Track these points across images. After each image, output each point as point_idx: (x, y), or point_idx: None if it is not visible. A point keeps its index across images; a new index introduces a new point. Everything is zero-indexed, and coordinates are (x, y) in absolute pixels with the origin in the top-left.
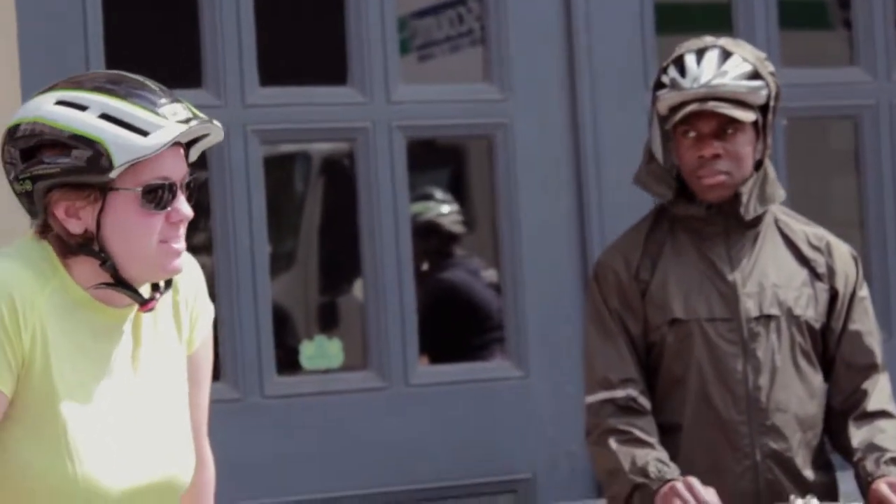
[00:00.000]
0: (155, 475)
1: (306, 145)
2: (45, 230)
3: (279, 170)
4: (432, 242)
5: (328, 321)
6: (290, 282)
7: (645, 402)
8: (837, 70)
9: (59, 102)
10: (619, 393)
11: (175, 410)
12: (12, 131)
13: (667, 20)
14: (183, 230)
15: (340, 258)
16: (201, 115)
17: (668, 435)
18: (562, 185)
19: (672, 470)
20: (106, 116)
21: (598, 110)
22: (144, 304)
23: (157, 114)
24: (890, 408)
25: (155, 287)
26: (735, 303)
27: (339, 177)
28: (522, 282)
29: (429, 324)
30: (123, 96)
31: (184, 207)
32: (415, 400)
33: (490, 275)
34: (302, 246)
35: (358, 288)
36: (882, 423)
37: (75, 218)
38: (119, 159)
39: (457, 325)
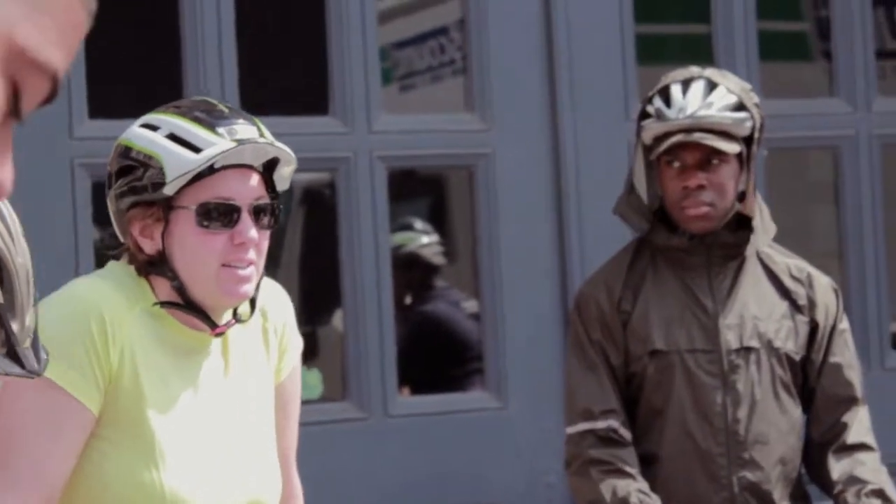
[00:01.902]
0: (243, 497)
1: None
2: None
3: None
4: (413, 274)
5: (308, 352)
6: None
7: (626, 434)
8: (817, 101)
9: (143, 125)
10: (601, 424)
11: (264, 435)
12: (113, 153)
13: (648, 51)
14: (250, 255)
15: (320, 288)
16: (268, 138)
17: (647, 466)
18: (543, 215)
19: (654, 501)
20: (171, 136)
21: (580, 141)
22: (214, 328)
23: (214, 132)
24: (869, 440)
25: (234, 314)
26: (715, 334)
27: (320, 206)
28: (502, 313)
29: (411, 356)
30: (191, 117)
31: (246, 229)
32: (394, 431)
33: (472, 306)
34: (282, 276)
35: (338, 318)
36: (862, 456)
37: (149, 238)
38: (170, 175)
39: (439, 357)
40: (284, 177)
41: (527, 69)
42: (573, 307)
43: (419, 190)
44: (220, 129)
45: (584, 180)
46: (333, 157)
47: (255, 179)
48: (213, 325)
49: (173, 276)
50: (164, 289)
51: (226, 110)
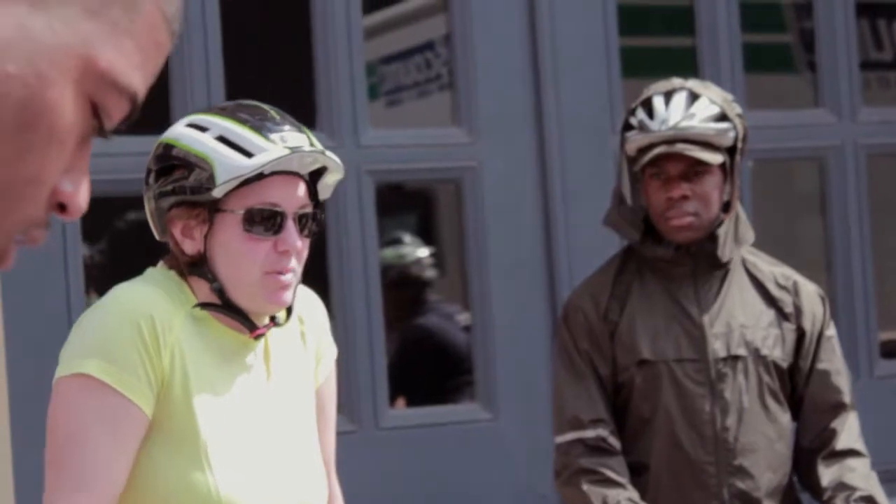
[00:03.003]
0: (292, 500)
1: None
2: (172, 258)
3: None
4: (406, 288)
5: None
6: None
7: (615, 443)
8: (802, 112)
9: (189, 125)
10: (590, 433)
11: (308, 439)
12: (154, 151)
13: (632, 63)
14: (292, 263)
15: None
16: (318, 147)
17: (637, 475)
18: (530, 227)
19: None
20: (221, 138)
21: (566, 153)
22: (253, 330)
23: (266, 138)
24: (859, 446)
25: (272, 318)
26: (703, 344)
27: None
28: (491, 324)
29: (406, 369)
30: (241, 120)
31: (290, 237)
32: (385, 443)
33: (465, 318)
34: None
35: None
36: (851, 462)
37: (190, 238)
38: (221, 178)
39: (433, 370)
40: (328, 185)
41: (512, 83)
42: (561, 317)
43: (407, 204)
44: (273, 136)
45: (571, 192)
46: None
47: (301, 187)
48: (251, 327)
49: (213, 279)
50: (204, 291)
51: (277, 116)
